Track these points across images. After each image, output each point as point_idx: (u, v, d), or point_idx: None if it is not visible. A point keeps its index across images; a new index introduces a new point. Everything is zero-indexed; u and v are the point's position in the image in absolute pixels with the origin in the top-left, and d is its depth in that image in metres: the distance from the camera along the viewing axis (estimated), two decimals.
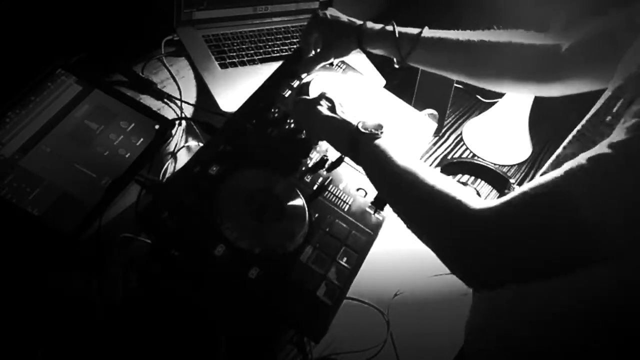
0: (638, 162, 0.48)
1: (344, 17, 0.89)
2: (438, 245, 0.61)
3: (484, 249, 0.55)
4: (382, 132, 0.70)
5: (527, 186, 0.54)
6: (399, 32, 0.84)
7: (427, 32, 0.83)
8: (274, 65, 0.95)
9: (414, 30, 0.83)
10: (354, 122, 0.72)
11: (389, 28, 0.84)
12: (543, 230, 0.52)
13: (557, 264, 0.54)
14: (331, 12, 0.90)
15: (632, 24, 0.61)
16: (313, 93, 0.87)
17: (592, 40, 0.71)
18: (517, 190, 0.55)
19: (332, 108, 0.78)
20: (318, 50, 0.92)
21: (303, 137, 0.85)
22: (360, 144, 0.70)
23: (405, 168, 0.65)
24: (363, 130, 0.71)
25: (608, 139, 0.50)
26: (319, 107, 0.77)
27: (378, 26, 0.86)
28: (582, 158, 0.50)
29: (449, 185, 0.60)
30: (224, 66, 1.17)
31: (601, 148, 0.50)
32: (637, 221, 0.49)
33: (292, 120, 0.86)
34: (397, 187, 0.66)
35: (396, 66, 0.86)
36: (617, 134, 0.50)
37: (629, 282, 0.60)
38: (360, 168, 0.77)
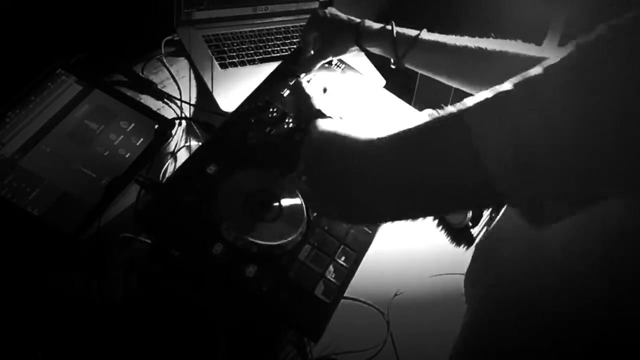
0: (537, 96, 0.44)
1: (343, 16, 0.89)
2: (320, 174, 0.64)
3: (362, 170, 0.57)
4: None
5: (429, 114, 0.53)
6: (397, 32, 0.84)
7: (425, 35, 0.83)
8: (274, 65, 0.95)
9: (413, 32, 0.83)
10: (322, 110, 0.75)
11: (388, 27, 0.84)
12: (438, 156, 0.52)
13: (442, 190, 0.52)
14: (330, 10, 0.90)
15: None
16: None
17: None
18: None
19: (319, 95, 0.81)
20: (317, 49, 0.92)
21: (302, 137, 0.85)
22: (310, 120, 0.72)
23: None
24: (322, 112, 0.73)
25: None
26: (305, 85, 0.83)
27: (377, 25, 0.86)
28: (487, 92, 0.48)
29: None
30: (224, 66, 1.17)
31: (503, 85, 0.47)
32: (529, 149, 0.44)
33: (291, 120, 0.86)
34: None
35: (392, 66, 0.87)
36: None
37: None
38: None
